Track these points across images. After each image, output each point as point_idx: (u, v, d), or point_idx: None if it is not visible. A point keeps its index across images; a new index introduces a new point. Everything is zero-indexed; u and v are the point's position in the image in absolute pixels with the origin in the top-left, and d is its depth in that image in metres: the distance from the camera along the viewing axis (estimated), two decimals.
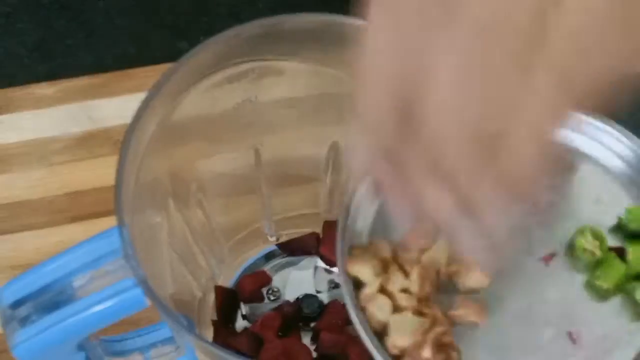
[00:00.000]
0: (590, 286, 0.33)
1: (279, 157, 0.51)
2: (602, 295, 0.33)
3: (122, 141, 0.39)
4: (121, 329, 0.43)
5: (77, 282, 0.38)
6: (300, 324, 0.52)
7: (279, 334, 0.50)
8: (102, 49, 0.69)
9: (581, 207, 0.35)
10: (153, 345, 0.44)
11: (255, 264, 0.55)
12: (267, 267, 0.54)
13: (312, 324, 0.52)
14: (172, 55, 0.43)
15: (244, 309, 0.53)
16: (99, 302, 0.36)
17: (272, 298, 0.53)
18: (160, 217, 0.47)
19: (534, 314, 0.33)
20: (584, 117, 0.36)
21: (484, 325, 0.33)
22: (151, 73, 0.64)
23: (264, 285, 0.53)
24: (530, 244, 0.34)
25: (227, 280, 0.54)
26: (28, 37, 0.69)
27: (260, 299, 0.53)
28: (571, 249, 0.34)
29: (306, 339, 0.51)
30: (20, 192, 0.62)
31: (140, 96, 0.40)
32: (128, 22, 0.69)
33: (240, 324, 0.52)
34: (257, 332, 0.50)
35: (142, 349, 0.44)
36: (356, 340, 0.50)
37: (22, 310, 0.37)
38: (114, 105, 0.64)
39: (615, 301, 0.33)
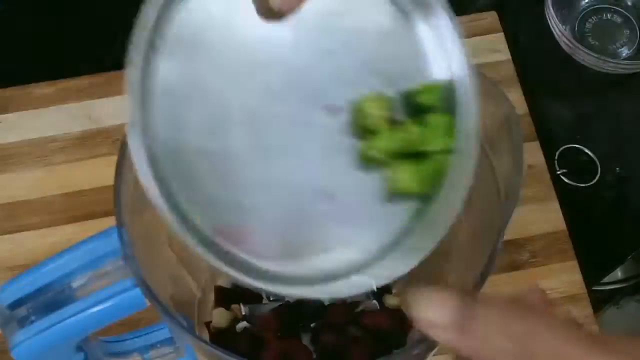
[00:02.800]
0: (360, 153, 0.31)
1: None
2: (367, 165, 0.31)
3: (121, 141, 0.39)
4: (120, 330, 0.43)
5: (76, 282, 0.37)
6: (301, 324, 0.52)
7: (279, 334, 0.50)
8: (101, 48, 0.68)
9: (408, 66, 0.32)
10: (152, 345, 0.44)
11: None
12: None
13: (312, 324, 0.51)
14: None
15: (243, 309, 0.53)
16: (98, 302, 0.36)
17: (271, 298, 0.53)
18: (159, 217, 0.46)
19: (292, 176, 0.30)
20: None
21: None
22: None
23: None
24: (322, 90, 0.31)
25: (227, 280, 0.54)
26: (27, 36, 0.69)
27: (260, 299, 0.53)
28: (357, 111, 0.31)
29: (306, 339, 0.51)
30: (19, 192, 0.62)
31: None
32: (127, 22, 0.69)
33: (240, 324, 0.52)
34: (257, 333, 0.50)
35: (142, 350, 0.44)
36: (357, 340, 0.50)
37: (21, 311, 0.37)
38: (113, 105, 0.64)
39: (376, 177, 0.31)
